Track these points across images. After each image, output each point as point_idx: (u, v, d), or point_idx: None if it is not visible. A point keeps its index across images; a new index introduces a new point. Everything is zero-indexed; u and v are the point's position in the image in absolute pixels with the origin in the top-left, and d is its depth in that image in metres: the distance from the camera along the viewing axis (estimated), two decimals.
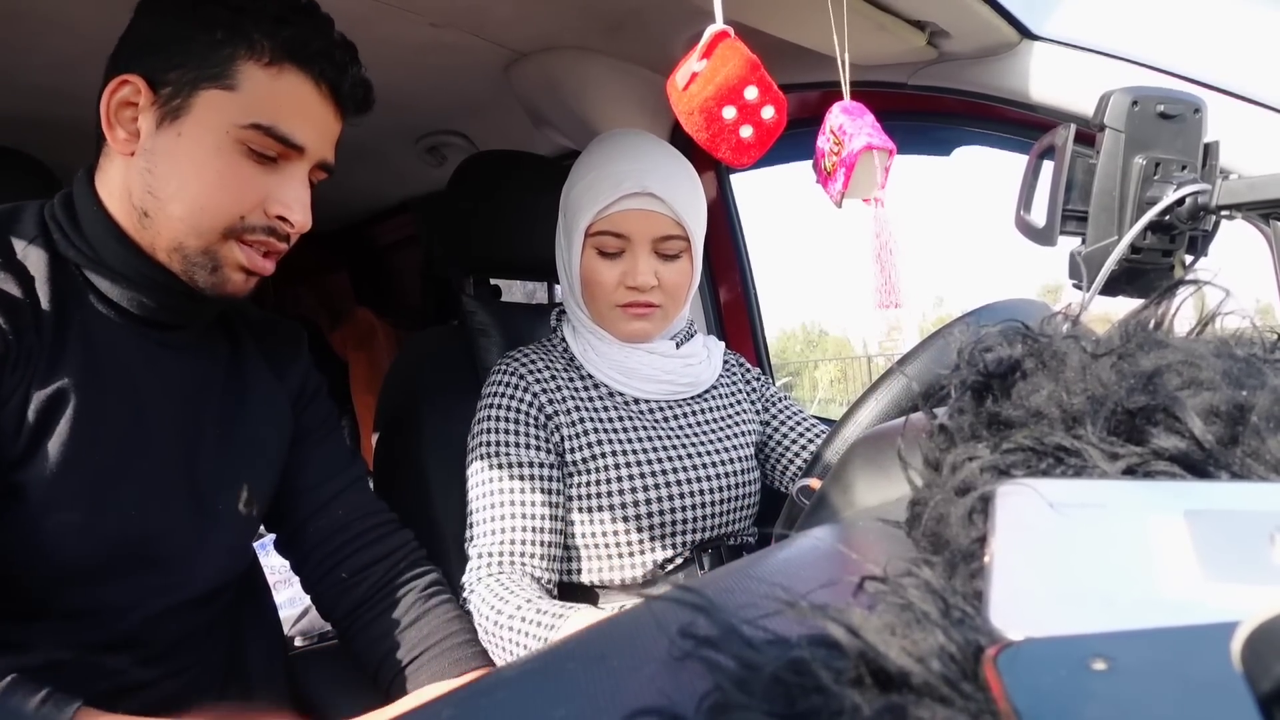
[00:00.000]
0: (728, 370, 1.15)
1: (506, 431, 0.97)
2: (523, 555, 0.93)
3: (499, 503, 0.94)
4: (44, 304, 0.67)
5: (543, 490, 0.95)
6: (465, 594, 0.92)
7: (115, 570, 0.70)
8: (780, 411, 1.14)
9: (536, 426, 0.97)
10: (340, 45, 0.74)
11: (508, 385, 0.99)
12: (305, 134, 0.71)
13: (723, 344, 1.17)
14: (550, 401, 0.98)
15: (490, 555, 0.93)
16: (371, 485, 1.06)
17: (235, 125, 0.68)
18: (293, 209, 0.72)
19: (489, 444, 0.97)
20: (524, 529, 0.93)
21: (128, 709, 0.72)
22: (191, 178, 0.69)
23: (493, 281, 1.38)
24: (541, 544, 0.94)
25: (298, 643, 1.55)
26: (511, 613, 0.85)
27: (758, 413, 1.14)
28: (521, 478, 0.95)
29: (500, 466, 0.95)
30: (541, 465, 0.96)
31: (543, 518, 0.94)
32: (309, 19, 0.72)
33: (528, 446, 0.96)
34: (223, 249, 0.71)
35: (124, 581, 0.71)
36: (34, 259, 0.68)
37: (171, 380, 0.75)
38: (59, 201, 0.73)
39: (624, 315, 1.00)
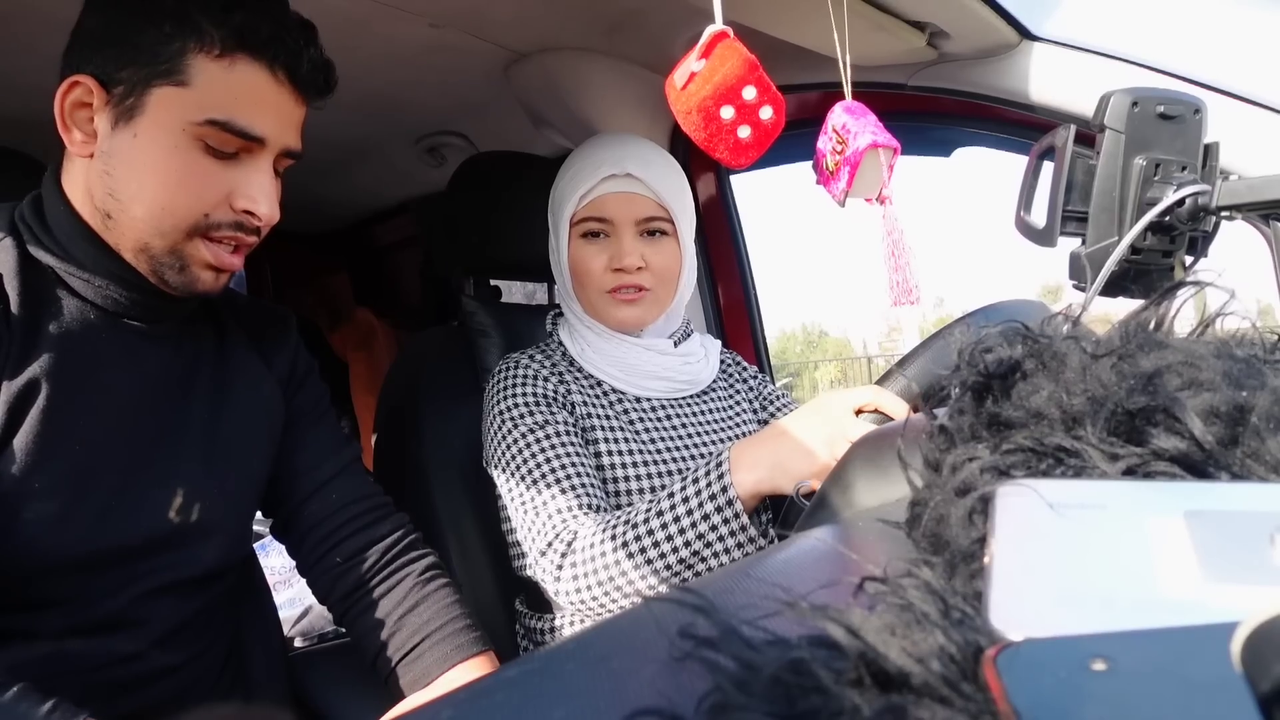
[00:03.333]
0: (725, 369, 1.15)
1: (539, 413, 0.95)
2: (598, 509, 0.89)
3: (560, 466, 0.90)
4: (13, 298, 0.67)
5: (590, 459, 0.94)
6: (562, 556, 0.85)
7: (100, 558, 0.70)
8: (779, 410, 1.14)
9: (566, 410, 0.97)
10: (294, 27, 0.71)
11: (524, 377, 0.98)
12: (264, 125, 0.69)
13: (719, 343, 1.17)
14: (569, 393, 0.99)
15: (572, 509, 0.88)
16: None
17: (191, 123, 0.66)
18: (258, 202, 0.70)
19: (527, 424, 0.94)
20: (590, 486, 0.90)
21: (144, 700, 0.73)
22: (150, 179, 0.67)
23: (493, 282, 1.38)
24: (605, 499, 0.91)
25: (298, 643, 1.55)
26: (644, 508, 0.81)
27: (755, 411, 1.13)
28: (570, 444, 0.93)
29: (548, 438, 0.92)
30: (579, 438, 0.95)
31: (599, 483, 0.92)
32: (259, 2, 0.69)
33: (564, 422, 0.95)
34: (189, 247, 0.70)
35: (110, 568, 0.71)
36: (3, 257, 0.68)
37: (152, 371, 0.75)
38: (28, 203, 0.72)
39: (613, 301, 1.00)
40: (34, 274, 0.69)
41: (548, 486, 0.90)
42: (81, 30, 0.69)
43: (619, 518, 0.83)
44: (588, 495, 0.89)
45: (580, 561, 0.84)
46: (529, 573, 0.92)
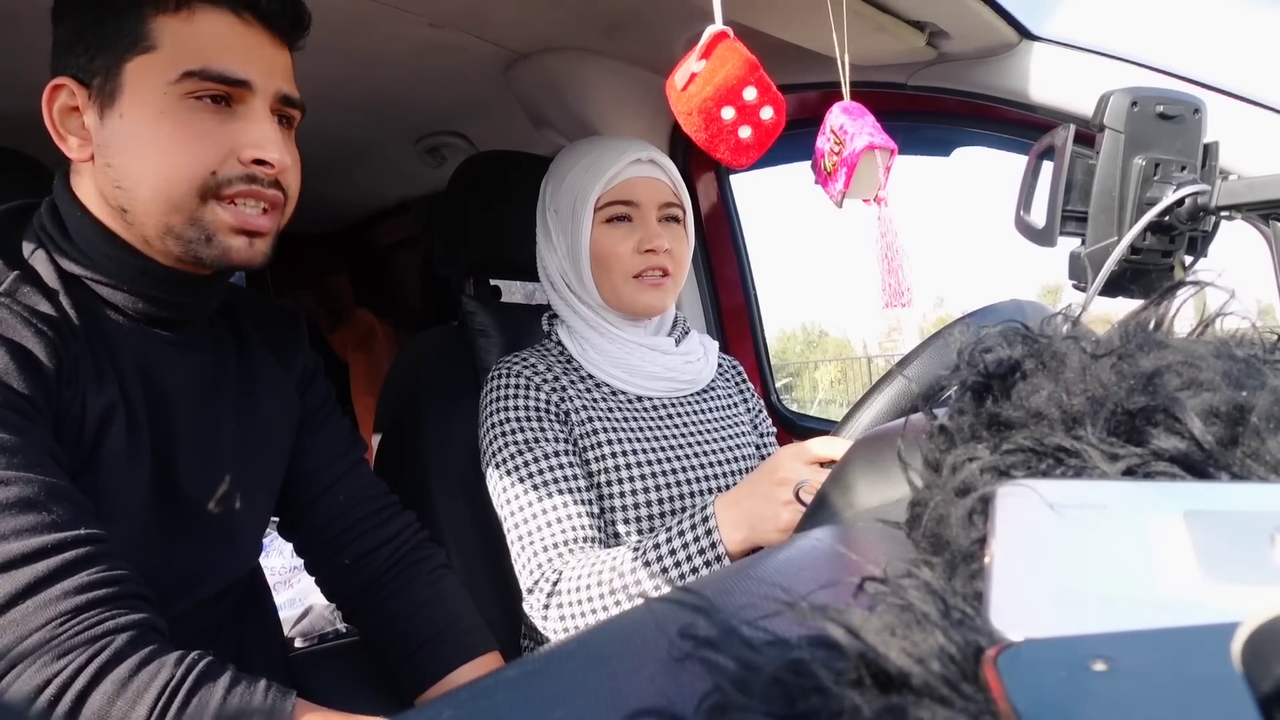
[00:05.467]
0: (723, 373, 1.15)
1: (530, 429, 0.95)
2: (588, 541, 0.90)
3: (548, 494, 0.91)
4: (71, 314, 0.65)
5: (582, 478, 0.94)
6: (548, 596, 0.86)
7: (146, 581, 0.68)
8: (767, 446, 1.14)
9: (559, 421, 0.97)
10: None
11: (517, 386, 0.98)
12: (244, 68, 0.67)
13: (716, 344, 1.17)
14: (563, 400, 0.98)
15: (559, 548, 0.88)
16: None
17: (168, 82, 0.65)
18: (265, 147, 0.67)
19: (516, 443, 0.94)
20: (580, 514, 0.90)
21: None
22: (148, 153, 0.66)
23: (493, 282, 1.38)
24: (599, 529, 0.92)
25: (298, 643, 1.55)
26: (630, 556, 0.82)
27: (753, 426, 1.14)
28: (560, 467, 0.93)
29: (536, 460, 0.93)
30: (571, 454, 0.95)
31: (591, 502, 0.93)
32: None
33: (555, 439, 0.95)
34: (207, 214, 0.67)
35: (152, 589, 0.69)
36: (44, 271, 0.67)
37: (187, 380, 0.74)
38: (47, 214, 0.71)
39: (640, 286, 1.00)
40: (72, 287, 0.67)
41: (533, 516, 0.91)
42: (55, 43, 0.69)
43: (604, 561, 0.84)
44: (575, 523, 0.90)
45: (566, 603, 0.85)
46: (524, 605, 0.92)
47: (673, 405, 1.05)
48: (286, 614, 1.46)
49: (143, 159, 0.66)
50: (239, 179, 0.67)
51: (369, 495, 0.89)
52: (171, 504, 0.71)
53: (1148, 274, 0.66)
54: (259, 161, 0.67)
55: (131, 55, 0.65)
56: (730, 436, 1.05)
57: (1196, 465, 0.26)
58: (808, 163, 0.88)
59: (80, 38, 0.67)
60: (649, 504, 0.95)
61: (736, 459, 1.03)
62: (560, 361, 1.03)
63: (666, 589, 0.80)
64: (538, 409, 0.96)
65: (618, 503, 0.95)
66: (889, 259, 0.84)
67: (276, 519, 0.92)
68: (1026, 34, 1.00)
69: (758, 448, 1.11)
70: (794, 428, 1.57)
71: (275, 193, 0.70)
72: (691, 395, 1.07)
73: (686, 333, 1.12)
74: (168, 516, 0.71)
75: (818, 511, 0.45)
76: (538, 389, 0.98)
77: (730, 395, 1.12)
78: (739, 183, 1.66)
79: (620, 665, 0.25)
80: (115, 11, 0.66)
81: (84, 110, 0.67)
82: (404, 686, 0.84)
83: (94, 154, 0.68)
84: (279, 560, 1.62)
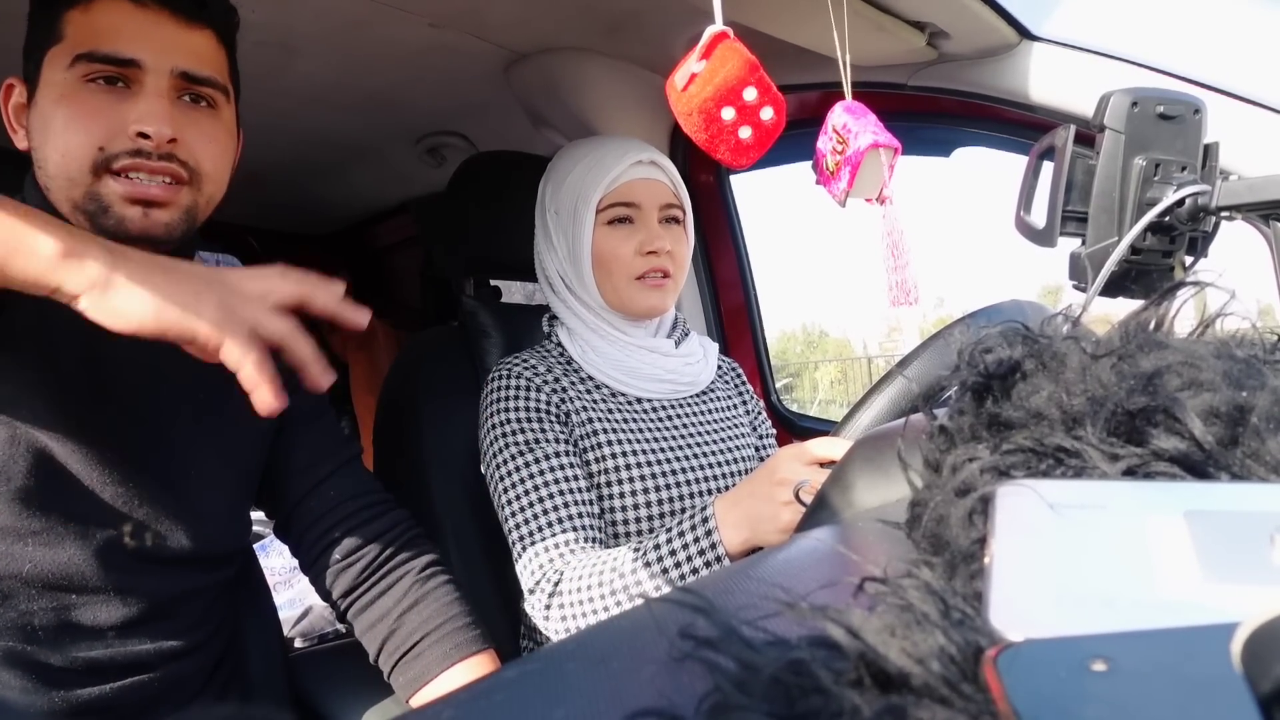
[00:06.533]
0: (723, 375, 1.15)
1: (531, 430, 0.95)
2: (589, 541, 0.90)
3: (549, 495, 0.90)
4: None
5: (583, 479, 0.94)
6: (549, 596, 0.86)
7: (74, 516, 0.71)
8: (766, 448, 1.14)
9: (559, 422, 0.97)
10: None
11: (518, 387, 0.98)
12: (132, 47, 0.70)
13: (716, 345, 1.17)
14: (563, 401, 0.98)
15: (560, 548, 0.88)
16: None
17: (65, 68, 0.70)
18: (145, 121, 0.70)
19: (517, 444, 0.93)
20: (581, 515, 0.90)
21: (136, 695, 0.73)
22: (50, 134, 0.70)
23: (493, 282, 1.38)
24: (599, 530, 0.92)
25: (298, 643, 1.55)
26: (631, 556, 0.82)
27: (753, 429, 1.14)
28: (561, 468, 0.93)
29: (537, 461, 0.92)
30: (571, 455, 0.95)
31: (591, 503, 0.93)
32: None
33: (555, 440, 0.95)
34: (101, 188, 0.70)
35: (87, 543, 0.72)
36: None
37: (148, 356, 0.76)
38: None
39: (642, 288, 1.00)
40: None
41: (535, 517, 0.90)
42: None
43: (604, 562, 0.84)
44: (576, 524, 0.89)
45: (567, 604, 0.85)
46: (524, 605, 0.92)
47: (672, 407, 1.05)
48: (286, 614, 1.47)
49: (46, 139, 0.71)
50: (125, 153, 0.70)
51: (359, 492, 0.89)
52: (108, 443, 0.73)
53: (1148, 274, 0.66)
54: (144, 135, 0.70)
55: (48, 49, 0.71)
56: (730, 438, 1.05)
57: (1196, 465, 0.26)
58: (808, 163, 0.88)
59: (27, 41, 0.73)
60: (649, 505, 0.95)
61: (736, 460, 1.03)
62: (560, 363, 1.03)
63: (667, 589, 0.80)
64: (538, 410, 0.96)
65: (618, 504, 0.95)
66: (895, 257, 0.84)
67: (274, 520, 0.92)
68: (1026, 34, 1.00)
69: (757, 449, 1.11)
70: (794, 428, 1.57)
71: (168, 165, 0.71)
72: (691, 397, 1.07)
73: (686, 334, 1.12)
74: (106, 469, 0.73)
75: (817, 512, 0.45)
76: (538, 390, 0.97)
77: (730, 397, 1.13)
78: (739, 183, 1.66)
79: (620, 665, 0.25)
80: (42, 13, 0.72)
81: (27, 105, 0.73)
82: (397, 686, 0.84)
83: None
84: (279, 560, 1.62)
